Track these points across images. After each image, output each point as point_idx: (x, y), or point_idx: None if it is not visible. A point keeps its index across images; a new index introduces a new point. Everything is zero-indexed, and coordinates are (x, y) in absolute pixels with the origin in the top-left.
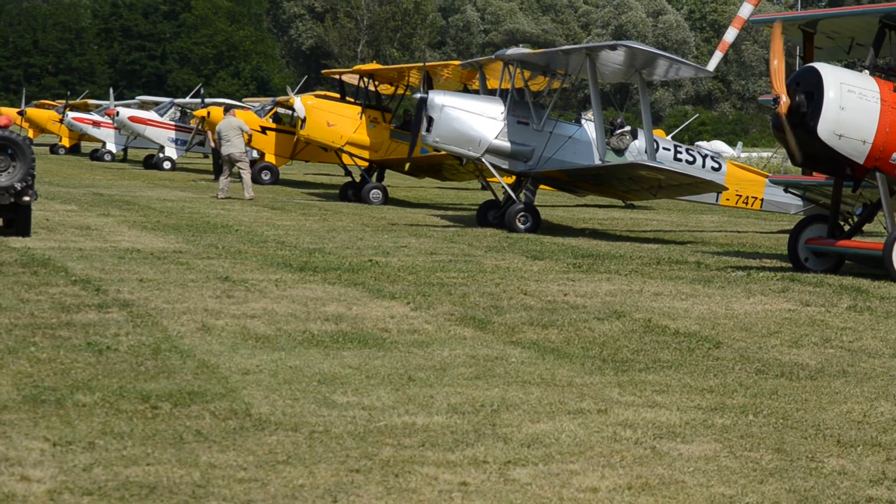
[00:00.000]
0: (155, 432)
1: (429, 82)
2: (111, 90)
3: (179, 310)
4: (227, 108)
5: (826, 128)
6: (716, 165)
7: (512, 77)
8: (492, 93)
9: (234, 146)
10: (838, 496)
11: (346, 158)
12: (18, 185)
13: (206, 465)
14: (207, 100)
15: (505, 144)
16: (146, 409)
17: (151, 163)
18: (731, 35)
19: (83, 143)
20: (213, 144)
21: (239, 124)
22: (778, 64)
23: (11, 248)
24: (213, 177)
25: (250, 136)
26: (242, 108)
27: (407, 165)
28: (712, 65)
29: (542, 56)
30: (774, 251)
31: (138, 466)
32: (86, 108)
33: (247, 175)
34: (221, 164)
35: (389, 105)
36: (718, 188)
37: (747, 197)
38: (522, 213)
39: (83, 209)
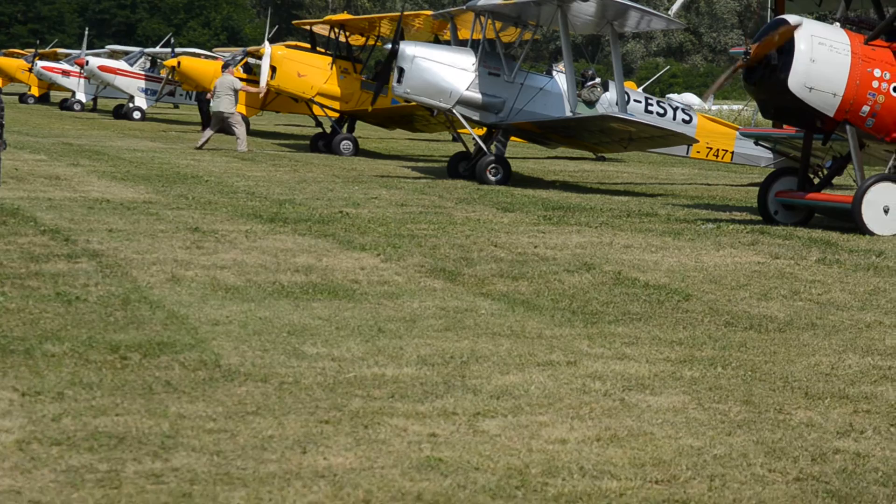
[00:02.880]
0: (124, 383)
1: (400, 33)
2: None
3: (149, 260)
4: (226, 65)
5: (796, 80)
6: (686, 118)
7: (483, 28)
8: (463, 44)
9: (222, 104)
10: (806, 448)
11: (316, 109)
12: None
13: (175, 415)
14: (178, 49)
15: (476, 96)
16: (115, 360)
17: (121, 112)
18: None
19: (52, 93)
20: (209, 97)
21: (231, 83)
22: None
23: None
24: (188, 127)
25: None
26: (214, 58)
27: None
28: (674, 9)
29: (513, 7)
30: (744, 204)
31: (107, 417)
32: (55, 57)
33: (239, 129)
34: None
35: (360, 56)
36: (689, 141)
37: (718, 150)
38: (493, 165)
39: (52, 159)
